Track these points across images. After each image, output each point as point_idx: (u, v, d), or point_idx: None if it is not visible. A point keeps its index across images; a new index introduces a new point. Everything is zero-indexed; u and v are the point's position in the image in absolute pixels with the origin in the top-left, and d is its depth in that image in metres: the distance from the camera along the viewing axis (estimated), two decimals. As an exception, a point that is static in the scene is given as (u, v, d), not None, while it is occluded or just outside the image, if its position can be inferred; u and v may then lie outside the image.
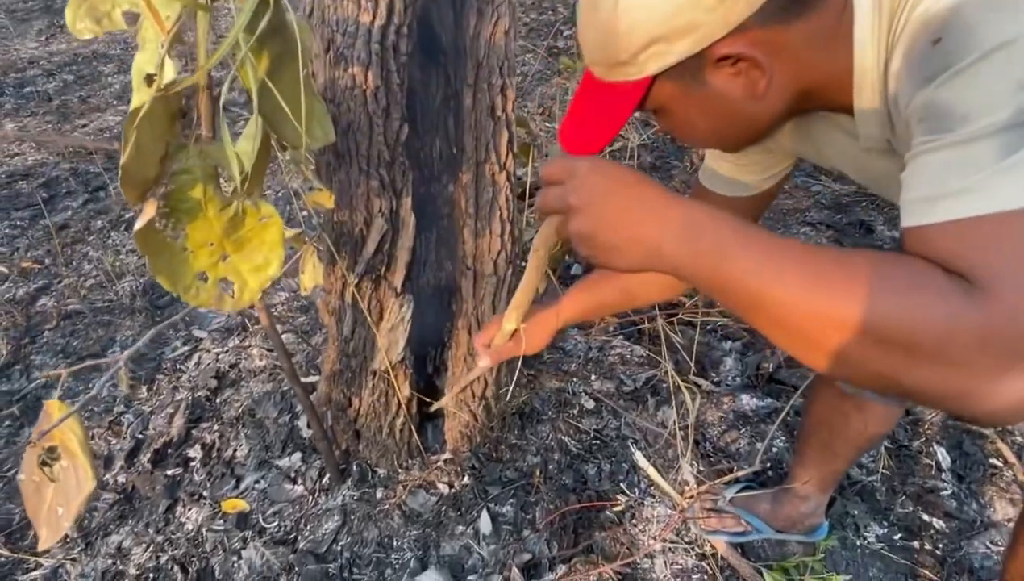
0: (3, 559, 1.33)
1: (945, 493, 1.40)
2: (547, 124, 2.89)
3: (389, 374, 1.26)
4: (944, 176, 0.46)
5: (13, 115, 3.50)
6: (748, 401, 1.58)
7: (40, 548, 0.77)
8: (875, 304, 0.43)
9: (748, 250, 0.48)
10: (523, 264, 1.09)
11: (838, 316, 0.44)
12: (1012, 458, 1.45)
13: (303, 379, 1.64)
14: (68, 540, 1.37)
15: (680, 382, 1.21)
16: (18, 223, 2.59)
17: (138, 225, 0.62)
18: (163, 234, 0.65)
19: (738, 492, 1.32)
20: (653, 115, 0.68)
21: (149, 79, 0.53)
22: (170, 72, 0.52)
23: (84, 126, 3.36)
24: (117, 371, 0.79)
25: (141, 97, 0.53)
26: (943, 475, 1.43)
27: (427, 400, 1.28)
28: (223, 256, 0.72)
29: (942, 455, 1.47)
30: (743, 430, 1.52)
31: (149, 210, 0.60)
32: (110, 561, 1.33)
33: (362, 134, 1.02)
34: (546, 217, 0.64)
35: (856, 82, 0.58)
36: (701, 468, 1.42)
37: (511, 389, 1.45)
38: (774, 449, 1.47)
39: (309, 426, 1.51)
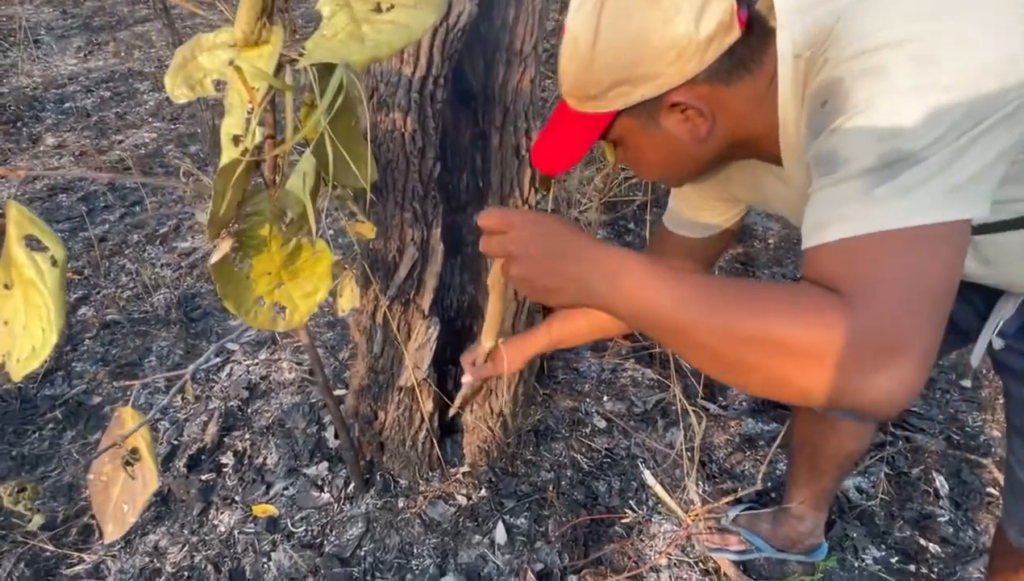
0: (48, 554, 1.43)
1: (942, 519, 1.45)
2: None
3: (415, 390, 1.35)
4: (825, 207, 0.55)
5: (53, 130, 3.66)
6: (754, 426, 1.65)
7: (106, 541, 0.86)
8: (766, 322, 0.52)
9: (661, 286, 0.56)
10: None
11: (736, 334, 0.53)
12: (1008, 487, 1.50)
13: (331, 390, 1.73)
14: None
15: (688, 406, 1.29)
16: (59, 234, 2.71)
17: (214, 258, 0.71)
18: (232, 265, 0.75)
19: (741, 512, 1.39)
20: (612, 146, 0.78)
21: (236, 140, 0.63)
22: (257, 137, 0.62)
23: (120, 142, 3.51)
24: (184, 384, 0.89)
25: (229, 154, 0.62)
26: (941, 502, 1.49)
27: (448, 407, 1.36)
28: (279, 284, 0.82)
29: (941, 482, 1.53)
30: (748, 453, 1.58)
31: (224, 246, 0.70)
32: (147, 559, 1.42)
33: (399, 172, 1.11)
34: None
35: (781, 136, 0.69)
36: (706, 488, 1.49)
37: (526, 407, 1.54)
38: (778, 472, 1.54)
39: (336, 437, 1.60)
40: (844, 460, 1.21)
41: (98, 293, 2.35)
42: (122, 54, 4.79)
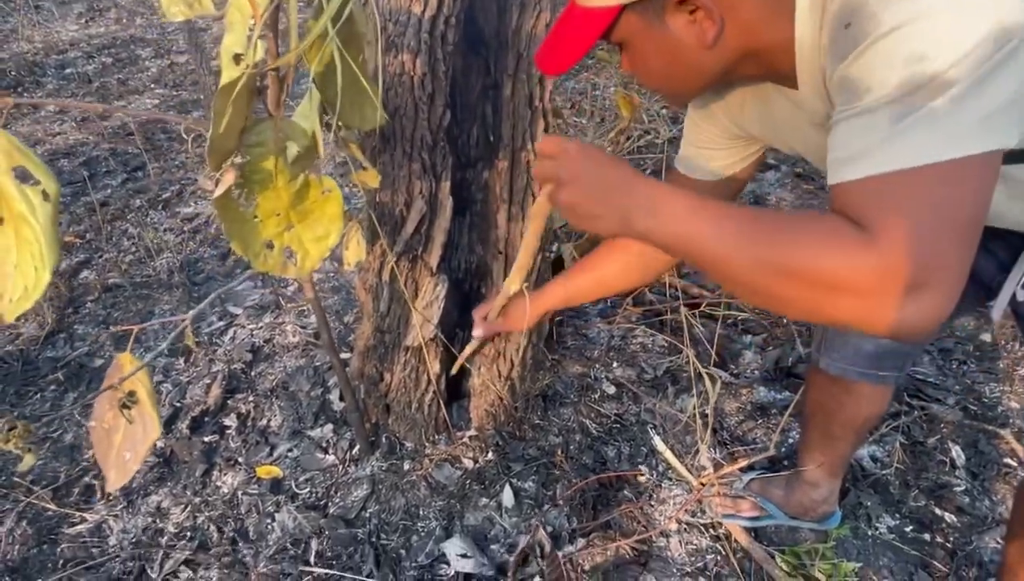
0: (51, 513, 1.41)
1: (958, 489, 1.43)
2: (575, 118, 2.93)
3: (422, 350, 1.31)
4: (850, 141, 0.55)
5: (55, 95, 3.61)
6: (766, 394, 1.62)
7: (108, 489, 0.84)
8: (797, 253, 0.54)
9: (697, 217, 0.58)
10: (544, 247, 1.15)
11: (768, 265, 0.55)
12: (1026, 458, 1.47)
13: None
14: (111, 498, 1.45)
15: (701, 368, 1.25)
16: (61, 199, 2.68)
17: (217, 192, 0.67)
18: (237, 203, 0.71)
19: (754, 477, 1.37)
20: (618, 50, 0.76)
21: (237, 58, 0.58)
22: (259, 52, 0.58)
23: (123, 107, 3.46)
24: (184, 329, 0.85)
25: (230, 74, 0.58)
26: (957, 472, 1.46)
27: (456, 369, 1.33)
28: (288, 226, 0.78)
29: (957, 452, 1.50)
30: (760, 421, 1.55)
31: (228, 178, 0.66)
32: (150, 519, 1.40)
33: (407, 119, 1.07)
34: (542, 185, 0.74)
35: (797, 52, 0.66)
36: (718, 455, 1.46)
37: (534, 372, 1.51)
38: (790, 440, 1.51)
39: (341, 399, 1.57)
40: (860, 426, 1.17)
41: (100, 257, 2.32)
42: (124, 20, 4.72)
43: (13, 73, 3.87)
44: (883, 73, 0.53)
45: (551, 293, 1.10)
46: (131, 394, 0.72)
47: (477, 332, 1.12)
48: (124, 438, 0.81)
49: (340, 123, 0.85)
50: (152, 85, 3.70)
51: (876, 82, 0.53)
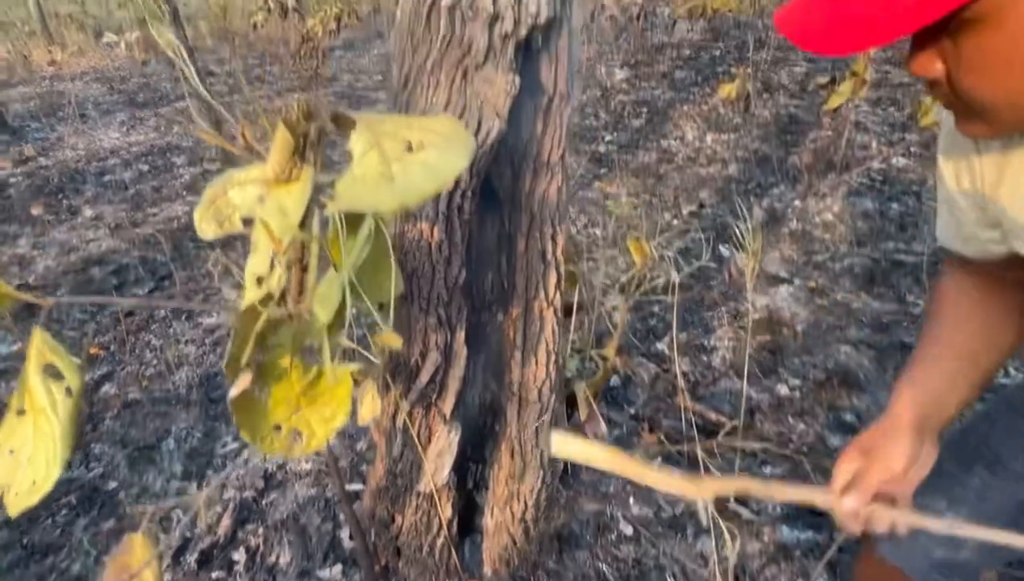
0: (50, 658, 1.37)
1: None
2: (589, 229, 3.00)
3: (433, 495, 1.30)
4: None
5: (92, 202, 3.79)
6: (789, 533, 1.56)
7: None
8: None
9: None
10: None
11: None
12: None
13: (347, 486, 1.68)
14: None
15: (718, 518, 1.21)
16: (89, 308, 2.76)
17: (233, 394, 0.69)
18: (251, 396, 0.73)
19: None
20: (955, 33, 0.48)
21: (259, 281, 0.62)
22: (281, 282, 0.61)
23: (155, 215, 3.61)
24: (198, 509, 0.85)
25: (251, 297, 0.61)
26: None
27: (469, 509, 1.31)
28: (297, 409, 0.79)
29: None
30: (783, 565, 1.49)
31: (244, 382, 0.68)
32: (151, 667, 1.35)
33: (424, 279, 1.11)
34: None
35: None
36: (741, 605, 1.39)
37: (549, 511, 1.47)
38: (817, 588, 1.44)
39: (351, 538, 1.54)
40: None
41: (122, 370, 2.36)
42: (162, 129, 5.00)
43: (56, 180, 4.09)
44: None
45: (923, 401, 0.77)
46: (138, 595, 0.71)
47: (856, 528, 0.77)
48: (129, 625, 0.79)
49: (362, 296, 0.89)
50: (184, 193, 3.87)
51: None
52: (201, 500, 0.86)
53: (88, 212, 3.66)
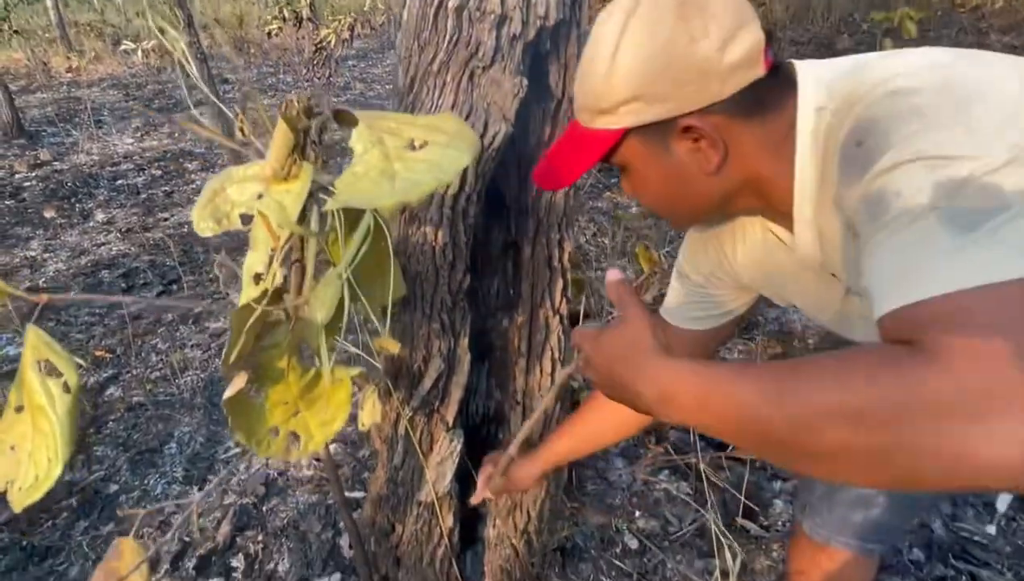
0: (45, 662, 1.36)
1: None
2: (600, 240, 2.98)
3: (435, 504, 1.27)
4: (892, 264, 0.49)
5: (104, 206, 3.82)
6: (799, 551, 1.52)
7: None
8: (838, 397, 0.44)
9: (726, 391, 0.50)
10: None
11: (806, 416, 0.45)
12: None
13: (348, 494, 1.66)
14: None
15: (722, 536, 1.18)
16: (97, 311, 2.77)
17: (228, 394, 0.68)
18: (247, 398, 0.71)
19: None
20: (621, 172, 0.76)
21: (257, 278, 0.60)
22: (278, 278, 0.60)
23: (165, 220, 3.63)
24: (189, 514, 0.84)
25: (249, 294, 0.60)
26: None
27: (471, 519, 1.28)
28: (295, 412, 0.78)
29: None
30: (793, 583, 1.45)
31: (239, 382, 0.67)
32: (145, 674, 1.33)
33: (428, 283, 1.09)
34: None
35: (797, 185, 0.66)
36: (748, 624, 1.36)
37: (552, 522, 1.44)
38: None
39: (351, 546, 1.52)
40: None
41: (127, 373, 2.36)
42: (176, 135, 5.04)
43: (69, 184, 4.12)
44: (915, 181, 0.49)
45: (549, 453, 1.12)
46: (124, 599, 0.69)
47: (484, 494, 1.13)
48: (118, 630, 0.78)
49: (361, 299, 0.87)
50: (195, 198, 3.88)
51: (909, 190, 0.49)
52: (195, 505, 0.84)
53: (100, 216, 3.68)
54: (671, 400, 0.55)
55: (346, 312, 0.65)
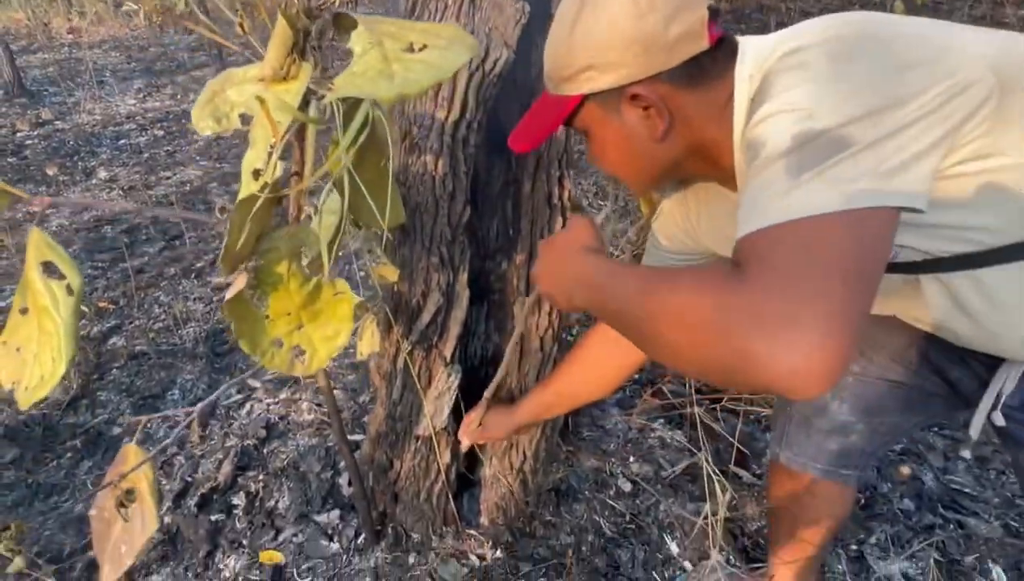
0: (51, 589, 1.39)
1: (1001, 616, 1.32)
2: (600, 202, 2.98)
3: (432, 440, 1.29)
4: (747, 201, 0.58)
5: (107, 165, 3.81)
6: (790, 497, 1.55)
7: (101, 583, 0.82)
8: (676, 300, 0.55)
9: (616, 284, 0.63)
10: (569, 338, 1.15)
11: (653, 312, 0.56)
12: (1075, 585, 1.37)
13: (348, 437, 1.69)
14: None
15: (713, 475, 1.21)
16: (100, 264, 2.78)
17: (229, 295, 0.69)
18: (248, 303, 0.72)
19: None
20: (585, 138, 0.82)
21: (256, 174, 0.61)
22: (277, 171, 0.60)
23: (168, 178, 3.63)
24: (191, 421, 0.86)
25: (248, 189, 0.61)
26: (998, 595, 1.36)
27: (468, 457, 1.31)
28: (299, 325, 0.79)
29: (997, 573, 1.40)
30: (783, 527, 1.48)
31: (239, 283, 0.68)
32: (149, 601, 1.37)
33: (428, 215, 1.09)
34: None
35: (735, 146, 0.72)
36: (737, 564, 1.38)
37: (548, 464, 1.47)
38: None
39: (350, 484, 1.55)
40: (824, 528, 1.14)
41: (130, 323, 2.38)
42: (178, 96, 5.01)
43: (71, 143, 4.11)
44: (776, 129, 0.57)
45: (525, 408, 1.18)
46: (129, 492, 0.71)
47: (463, 442, 1.22)
48: (122, 531, 0.80)
49: (363, 224, 0.88)
50: (197, 157, 3.88)
51: (770, 137, 0.57)
52: (196, 412, 0.86)
53: (103, 174, 3.68)
54: (581, 287, 0.68)
55: (344, 213, 0.65)
